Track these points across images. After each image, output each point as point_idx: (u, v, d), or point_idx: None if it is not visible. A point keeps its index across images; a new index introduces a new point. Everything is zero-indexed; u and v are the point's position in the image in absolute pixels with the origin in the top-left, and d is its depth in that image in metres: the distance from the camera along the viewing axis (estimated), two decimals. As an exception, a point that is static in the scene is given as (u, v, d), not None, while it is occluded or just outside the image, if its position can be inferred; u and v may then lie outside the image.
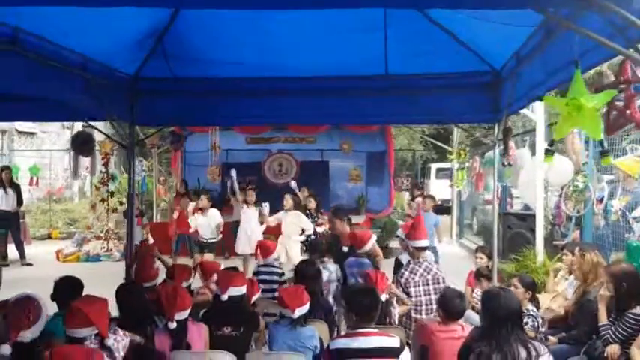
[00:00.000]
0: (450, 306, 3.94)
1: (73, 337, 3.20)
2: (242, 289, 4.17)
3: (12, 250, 11.48)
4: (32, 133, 20.58)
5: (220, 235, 9.27)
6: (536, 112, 7.61)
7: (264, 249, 5.83)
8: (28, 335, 3.07)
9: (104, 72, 5.20)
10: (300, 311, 3.94)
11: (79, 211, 16.97)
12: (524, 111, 7.64)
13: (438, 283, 4.90)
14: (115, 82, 5.45)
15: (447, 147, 14.95)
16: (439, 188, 21.64)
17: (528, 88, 4.27)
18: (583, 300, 5.01)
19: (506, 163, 5.38)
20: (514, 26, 3.86)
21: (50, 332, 3.37)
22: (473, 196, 14.10)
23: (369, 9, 4.47)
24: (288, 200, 8.68)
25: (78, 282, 4.02)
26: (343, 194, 14.29)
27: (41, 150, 19.66)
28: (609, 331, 4.46)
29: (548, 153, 4.09)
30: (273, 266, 5.78)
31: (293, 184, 10.34)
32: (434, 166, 22.78)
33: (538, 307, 4.91)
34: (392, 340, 3.43)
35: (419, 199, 9.73)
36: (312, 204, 9.17)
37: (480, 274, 5.89)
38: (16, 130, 19.71)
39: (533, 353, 2.95)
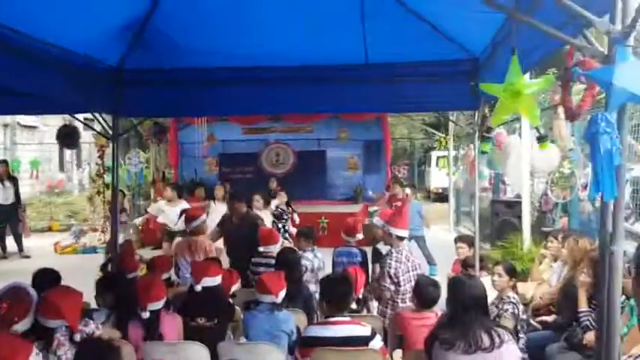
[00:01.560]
0: (423, 294, 3.99)
1: (45, 327, 3.25)
2: (217, 280, 4.17)
3: (11, 243, 11.60)
4: (34, 127, 20.69)
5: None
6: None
7: (266, 236, 5.79)
8: (20, 326, 3.12)
9: (86, 64, 5.21)
10: (281, 296, 3.99)
11: (79, 203, 17.07)
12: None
13: (415, 270, 4.93)
14: (98, 74, 5.46)
15: (444, 135, 14.94)
16: (440, 176, 21.72)
17: (502, 75, 4.24)
18: (568, 286, 5.02)
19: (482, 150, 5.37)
20: (486, 13, 3.85)
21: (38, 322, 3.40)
22: (471, 184, 14.08)
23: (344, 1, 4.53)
24: (259, 201, 8.48)
25: (55, 274, 4.07)
26: (340, 183, 14.29)
27: (43, 143, 19.74)
28: (589, 317, 4.47)
29: (542, 140, 4.08)
30: (272, 258, 5.64)
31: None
32: (434, 154, 22.71)
33: (517, 293, 4.93)
34: (362, 329, 3.53)
35: (401, 189, 9.62)
36: (283, 197, 9.19)
37: (466, 265, 5.87)
38: (18, 123, 19.83)
39: (497, 340, 2.97)
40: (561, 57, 2.62)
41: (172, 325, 3.90)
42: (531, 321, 5.21)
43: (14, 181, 11.67)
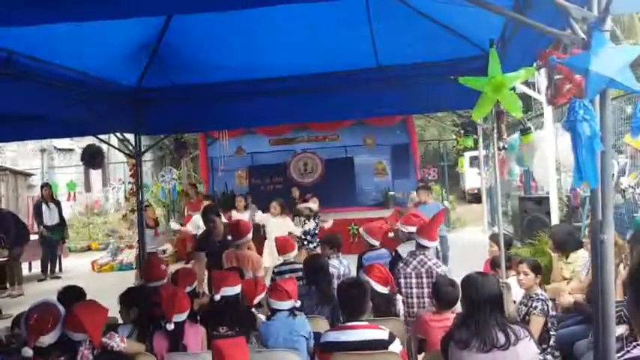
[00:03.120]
0: (441, 294, 3.95)
1: (71, 340, 3.34)
2: (236, 289, 4.20)
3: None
4: (70, 149, 21.30)
5: None
6: (542, 92, 7.41)
7: (282, 245, 5.80)
8: (46, 340, 3.22)
9: (104, 86, 5.38)
10: (298, 300, 4.07)
11: (117, 222, 17.48)
12: (529, 92, 7.47)
13: (432, 277, 4.82)
14: (117, 95, 5.63)
15: (475, 136, 14.73)
16: (474, 176, 21.38)
17: (512, 69, 4.19)
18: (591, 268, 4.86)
19: (502, 146, 5.28)
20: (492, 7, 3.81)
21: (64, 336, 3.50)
22: (504, 183, 13.85)
23: (350, 5, 4.54)
24: (276, 207, 8.70)
25: (79, 291, 4.17)
26: (370, 189, 14.26)
27: (79, 165, 20.25)
28: (622, 309, 4.34)
29: (525, 132, 3.99)
30: (294, 263, 5.73)
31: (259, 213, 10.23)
32: (467, 155, 22.36)
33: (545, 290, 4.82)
34: (380, 333, 3.47)
35: (413, 193, 9.51)
36: (315, 205, 9.23)
37: (495, 264, 5.79)
38: (55, 147, 20.46)
39: (512, 337, 2.93)
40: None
41: (196, 336, 3.95)
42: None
43: (58, 203, 12.10)
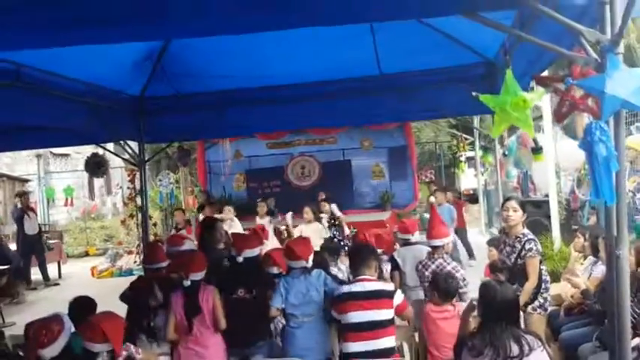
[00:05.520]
0: (441, 287, 4.16)
1: (87, 351, 3.36)
2: (256, 251, 4.41)
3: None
4: (66, 154, 21.25)
5: None
6: (543, 99, 7.49)
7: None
8: (46, 353, 3.24)
9: (109, 96, 5.42)
10: (311, 259, 4.25)
11: (114, 227, 17.45)
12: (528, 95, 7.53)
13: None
14: (121, 104, 5.67)
15: (470, 137, 14.84)
16: (469, 177, 21.49)
17: (517, 78, 4.25)
18: (606, 282, 4.90)
19: (503, 152, 5.35)
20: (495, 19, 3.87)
21: (71, 349, 3.53)
22: (502, 184, 13.94)
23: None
24: (308, 213, 8.67)
25: (90, 301, 4.19)
26: (368, 191, 14.26)
27: (75, 170, 20.22)
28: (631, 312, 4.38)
29: (537, 151, 4.06)
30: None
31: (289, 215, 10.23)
32: (463, 156, 22.43)
33: None
34: (387, 285, 4.05)
35: (432, 198, 9.67)
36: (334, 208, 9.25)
37: (494, 269, 5.82)
38: (51, 152, 20.39)
39: (526, 348, 2.92)
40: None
41: (207, 296, 4.05)
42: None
43: (35, 212, 11.91)
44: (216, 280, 4.25)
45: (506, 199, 4.80)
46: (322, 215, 9.04)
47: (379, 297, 3.84)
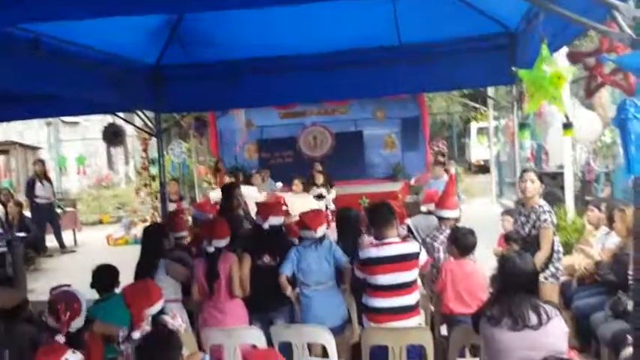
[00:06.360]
0: (460, 241, 4.23)
1: None
2: (280, 219, 4.48)
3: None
4: (76, 123, 21.28)
5: None
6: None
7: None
8: (74, 326, 3.33)
9: (126, 65, 5.41)
10: (322, 231, 4.29)
11: (127, 195, 17.56)
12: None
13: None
14: (137, 73, 5.66)
15: (483, 107, 14.72)
16: (480, 148, 21.37)
17: (538, 51, 4.20)
18: (621, 253, 4.91)
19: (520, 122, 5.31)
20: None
21: (92, 318, 3.60)
22: (513, 155, 13.86)
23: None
24: (297, 185, 8.69)
25: (113, 269, 4.24)
26: (379, 162, 14.23)
27: (86, 139, 20.29)
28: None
29: (567, 127, 4.02)
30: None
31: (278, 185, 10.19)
32: (474, 126, 22.30)
33: None
34: (412, 246, 4.00)
35: (452, 168, 9.59)
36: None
37: (509, 239, 5.85)
38: (62, 120, 20.43)
39: (544, 317, 2.96)
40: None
41: (226, 262, 4.15)
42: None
43: (50, 181, 11.99)
44: (242, 247, 4.35)
45: (524, 171, 4.81)
46: (317, 189, 9.08)
47: (407, 260, 3.88)
